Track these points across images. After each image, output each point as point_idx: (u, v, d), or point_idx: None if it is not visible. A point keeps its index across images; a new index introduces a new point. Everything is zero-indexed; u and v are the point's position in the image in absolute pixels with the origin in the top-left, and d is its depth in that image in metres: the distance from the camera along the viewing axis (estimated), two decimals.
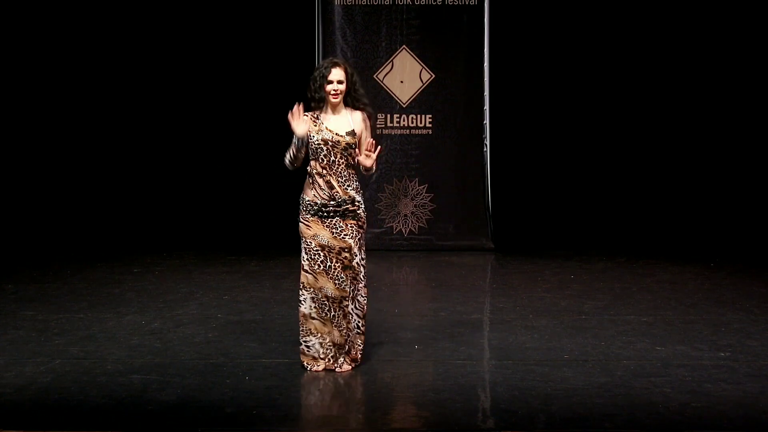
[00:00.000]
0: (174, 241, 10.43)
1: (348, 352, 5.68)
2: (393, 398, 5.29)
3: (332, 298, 5.59)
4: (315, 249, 5.58)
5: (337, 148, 5.56)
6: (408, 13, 10.45)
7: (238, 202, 10.75)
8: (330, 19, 10.40)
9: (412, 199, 10.55)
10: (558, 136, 10.77)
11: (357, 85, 5.68)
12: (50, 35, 10.70)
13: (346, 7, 10.40)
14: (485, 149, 10.48)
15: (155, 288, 8.24)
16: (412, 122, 10.48)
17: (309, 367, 5.66)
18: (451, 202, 10.56)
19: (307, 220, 5.61)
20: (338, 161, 5.57)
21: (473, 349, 6.25)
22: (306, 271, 5.62)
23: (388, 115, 10.50)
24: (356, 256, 5.61)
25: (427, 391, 5.35)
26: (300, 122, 5.54)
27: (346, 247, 5.57)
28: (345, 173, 5.59)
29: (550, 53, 10.69)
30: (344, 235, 5.57)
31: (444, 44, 10.50)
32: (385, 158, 10.40)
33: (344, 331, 5.62)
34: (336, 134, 5.57)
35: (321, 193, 5.58)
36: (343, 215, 5.58)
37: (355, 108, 5.68)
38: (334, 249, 5.57)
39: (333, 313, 5.61)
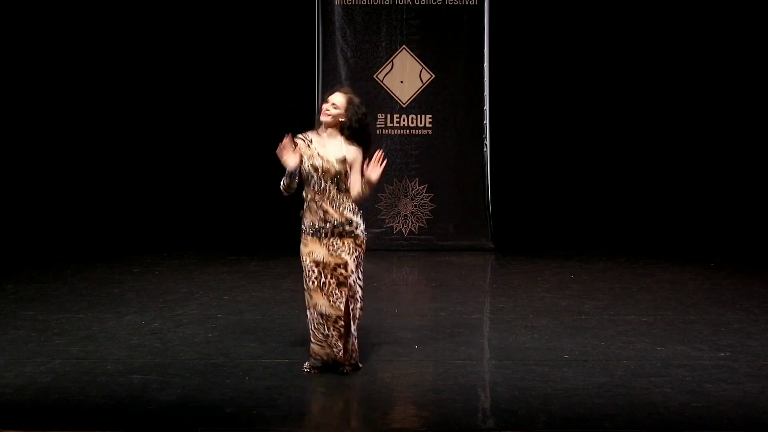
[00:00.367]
0: (174, 241, 10.43)
1: (347, 363, 5.60)
2: (393, 398, 5.29)
3: (326, 315, 5.48)
4: (310, 266, 5.52)
5: (327, 175, 5.51)
6: (408, 13, 10.45)
7: (238, 202, 10.74)
8: (330, 19, 10.40)
9: (412, 199, 10.55)
10: (558, 137, 10.77)
11: (357, 121, 5.55)
12: (50, 35, 10.70)
13: (346, 7, 10.40)
14: (485, 149, 10.48)
15: (155, 288, 8.24)
16: (412, 122, 10.48)
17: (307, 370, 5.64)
18: (451, 202, 10.56)
19: (305, 240, 5.57)
20: (329, 187, 5.52)
21: (473, 349, 6.25)
22: (304, 290, 5.58)
23: (388, 115, 10.50)
24: (353, 273, 5.51)
25: (427, 391, 5.35)
26: (290, 155, 5.46)
27: (342, 263, 5.49)
28: (338, 198, 5.54)
29: (550, 53, 10.69)
30: (341, 251, 5.51)
31: (444, 44, 10.50)
32: (385, 158, 10.38)
33: (339, 352, 5.50)
34: (326, 161, 5.51)
35: (317, 217, 5.53)
36: (341, 235, 5.54)
37: (350, 141, 5.58)
38: (329, 265, 5.49)
39: (327, 332, 5.50)
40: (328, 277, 5.49)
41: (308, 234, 5.55)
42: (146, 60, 10.80)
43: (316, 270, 5.50)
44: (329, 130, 5.57)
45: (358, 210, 5.63)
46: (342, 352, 5.50)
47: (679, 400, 5.10)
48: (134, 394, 5.22)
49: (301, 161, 5.51)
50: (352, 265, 5.50)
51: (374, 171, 5.53)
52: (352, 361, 5.62)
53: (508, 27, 10.45)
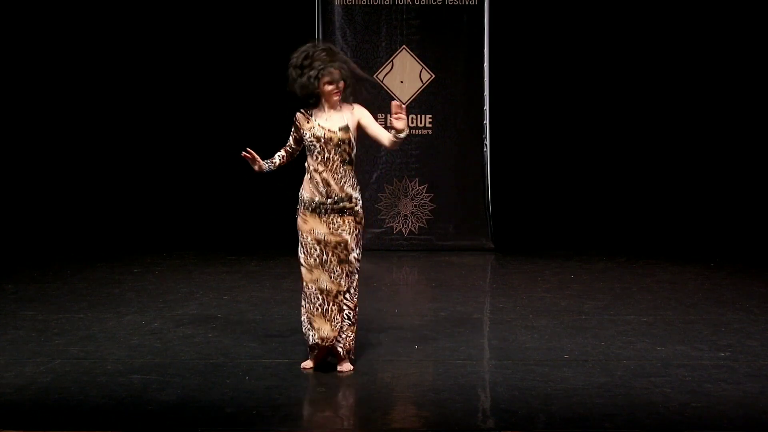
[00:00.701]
0: (174, 241, 10.43)
1: (342, 345, 5.65)
2: (393, 398, 5.29)
3: (327, 291, 5.56)
4: (311, 243, 5.58)
5: (330, 144, 5.53)
6: (408, 13, 10.44)
7: (238, 202, 10.74)
8: (330, 19, 10.40)
9: (412, 199, 10.55)
10: (558, 136, 10.77)
11: (354, 79, 5.60)
12: (50, 35, 10.69)
13: (346, 7, 10.40)
14: (485, 149, 10.48)
15: (155, 288, 8.24)
16: (412, 122, 10.48)
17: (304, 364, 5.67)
18: (451, 202, 10.56)
19: (304, 215, 5.62)
20: (333, 158, 5.54)
21: (473, 349, 6.25)
22: (302, 265, 5.63)
23: (388, 115, 10.48)
24: (353, 251, 5.59)
25: (427, 391, 5.35)
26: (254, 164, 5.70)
27: (342, 242, 5.56)
28: (341, 170, 5.55)
29: (550, 53, 10.68)
30: (341, 230, 5.56)
31: (444, 44, 10.49)
32: (385, 158, 10.41)
33: (337, 325, 5.58)
34: (328, 130, 5.53)
35: (318, 190, 5.56)
36: (341, 212, 5.57)
37: (350, 103, 5.63)
38: (330, 243, 5.56)
39: (327, 307, 5.57)
40: (329, 255, 5.56)
41: (308, 209, 5.60)
42: (146, 60, 10.79)
43: (318, 248, 5.57)
44: (331, 101, 5.58)
45: (357, 185, 5.66)
46: (338, 325, 5.58)
47: (679, 400, 5.10)
48: (134, 394, 5.22)
49: (301, 137, 5.61)
50: (352, 243, 5.57)
51: (398, 120, 5.46)
52: (347, 347, 5.65)
53: (508, 27, 10.45)
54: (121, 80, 10.80)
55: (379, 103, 10.33)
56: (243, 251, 10.08)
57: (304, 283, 5.64)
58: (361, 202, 5.66)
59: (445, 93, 10.51)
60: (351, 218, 5.59)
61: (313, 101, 5.61)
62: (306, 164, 5.64)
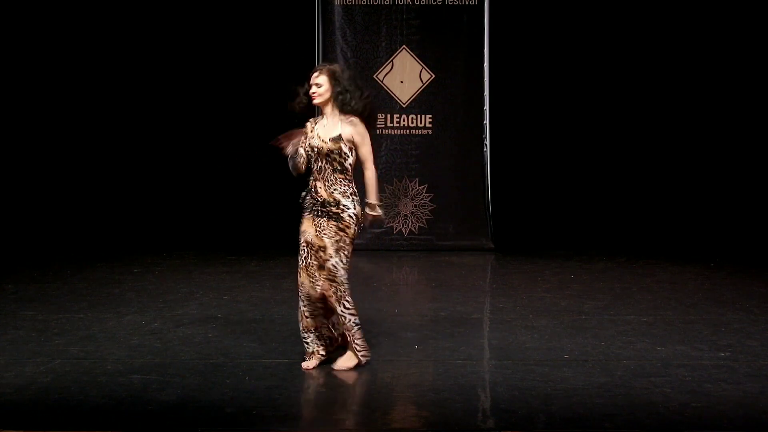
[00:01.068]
0: (174, 241, 10.43)
1: (348, 348, 5.70)
2: (393, 398, 5.29)
3: (308, 295, 5.65)
4: (302, 244, 5.67)
5: (321, 153, 5.59)
6: (408, 13, 10.45)
7: (238, 202, 10.75)
8: (330, 19, 10.40)
9: (412, 199, 10.55)
10: (558, 137, 10.78)
11: (345, 88, 5.58)
12: (50, 35, 10.71)
13: (346, 7, 10.40)
14: (485, 149, 10.48)
15: (155, 288, 8.24)
16: (412, 122, 10.48)
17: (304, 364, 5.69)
18: (451, 202, 10.56)
19: (304, 217, 5.68)
20: (323, 166, 5.60)
21: (473, 349, 6.25)
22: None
23: (388, 115, 10.50)
24: (332, 257, 5.55)
25: (427, 391, 5.35)
26: (289, 144, 5.59)
27: (322, 246, 5.58)
28: (332, 178, 5.60)
29: (550, 53, 10.69)
30: (323, 234, 5.58)
31: (444, 44, 10.50)
32: (385, 158, 10.41)
33: (325, 326, 5.72)
34: (321, 140, 5.60)
35: (311, 194, 5.66)
36: (328, 216, 5.60)
37: (344, 112, 5.61)
38: (314, 246, 5.61)
39: (313, 311, 5.67)
40: (311, 258, 5.61)
41: (306, 211, 5.68)
42: (146, 60, 10.80)
43: (305, 249, 5.64)
44: (327, 110, 5.64)
45: (353, 194, 5.64)
46: (332, 326, 5.72)
47: (679, 400, 5.10)
48: (134, 394, 5.22)
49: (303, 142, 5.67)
50: (331, 249, 5.56)
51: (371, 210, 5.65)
52: (356, 348, 5.68)
53: (508, 27, 10.46)
54: (122, 81, 10.81)
55: (378, 103, 10.35)
56: (243, 251, 10.08)
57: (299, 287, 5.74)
58: (351, 210, 5.59)
59: (445, 93, 10.52)
60: (334, 223, 5.58)
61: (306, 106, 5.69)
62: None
